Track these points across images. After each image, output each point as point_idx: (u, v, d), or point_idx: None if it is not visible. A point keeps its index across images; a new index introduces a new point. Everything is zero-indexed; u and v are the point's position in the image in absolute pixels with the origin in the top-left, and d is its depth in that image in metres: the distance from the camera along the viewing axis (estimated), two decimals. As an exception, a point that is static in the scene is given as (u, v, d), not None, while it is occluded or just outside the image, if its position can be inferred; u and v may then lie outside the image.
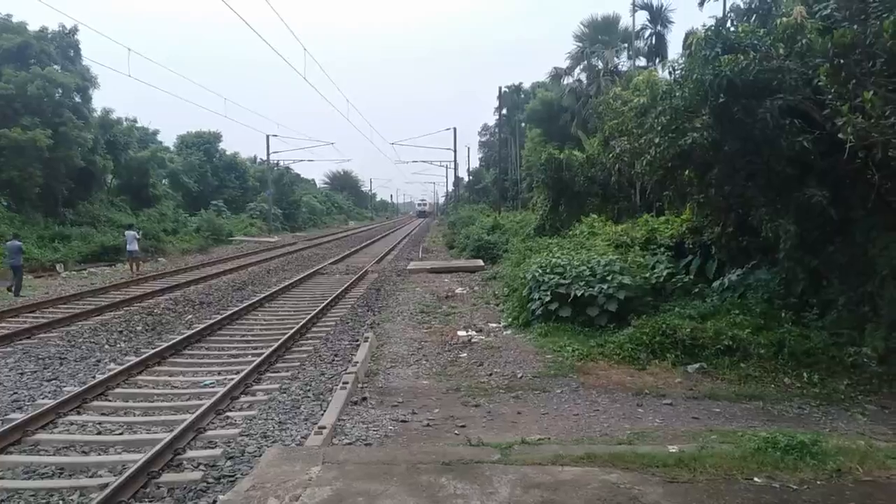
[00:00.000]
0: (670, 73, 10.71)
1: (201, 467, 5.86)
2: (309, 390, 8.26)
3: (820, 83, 7.84)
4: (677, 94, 9.54)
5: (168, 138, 55.52)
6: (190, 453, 6.19)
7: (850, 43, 7.41)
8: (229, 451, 6.18)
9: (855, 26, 7.46)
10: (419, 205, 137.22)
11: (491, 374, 8.94)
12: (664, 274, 12.27)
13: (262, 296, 16.04)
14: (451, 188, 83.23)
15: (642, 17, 36.94)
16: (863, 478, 4.62)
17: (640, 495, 4.33)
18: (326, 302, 14.84)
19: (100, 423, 7.06)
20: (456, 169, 58.97)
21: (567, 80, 42.75)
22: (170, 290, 17.40)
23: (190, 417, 6.80)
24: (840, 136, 7.20)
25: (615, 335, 10.00)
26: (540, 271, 11.99)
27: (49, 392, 8.22)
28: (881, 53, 7.25)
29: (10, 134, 25.52)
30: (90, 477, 5.69)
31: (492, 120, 72.53)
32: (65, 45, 31.72)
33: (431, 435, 6.62)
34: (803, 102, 8.43)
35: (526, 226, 25.66)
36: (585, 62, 40.55)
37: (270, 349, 9.99)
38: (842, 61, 7.48)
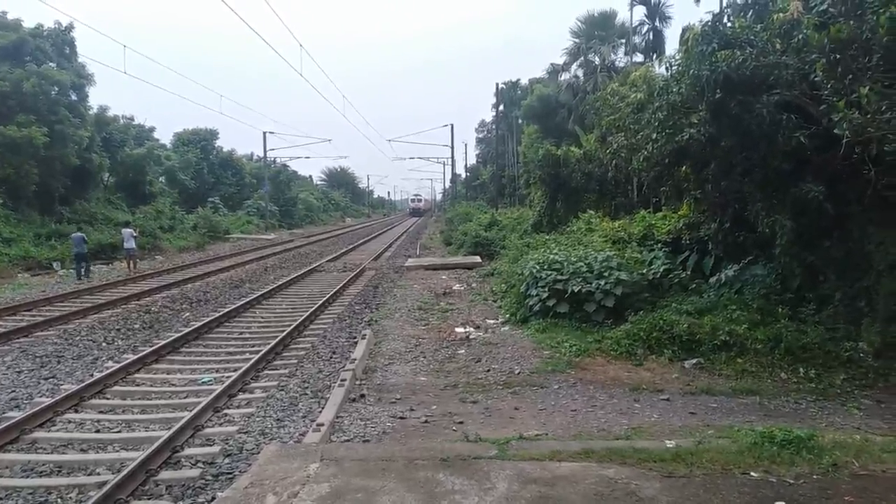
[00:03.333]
0: (667, 68, 10.73)
1: (199, 465, 5.87)
2: (307, 387, 8.27)
3: (816, 79, 7.85)
4: (674, 89, 9.54)
5: (164, 136, 55.65)
6: (188, 451, 6.20)
7: (847, 38, 7.41)
8: (227, 448, 6.19)
9: (851, 22, 7.45)
10: (412, 200, 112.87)
11: (488, 371, 8.95)
12: (661, 270, 12.29)
13: (260, 293, 16.03)
14: (448, 185, 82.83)
15: (640, 12, 36.97)
16: (858, 472, 4.65)
17: (637, 490, 4.35)
18: (324, 299, 14.83)
19: (98, 421, 7.06)
20: (453, 165, 59.09)
21: (564, 76, 42.78)
22: (167, 287, 17.38)
23: (188, 415, 6.80)
24: (836, 131, 7.20)
25: (612, 331, 10.03)
26: (537, 268, 12.01)
27: (47, 390, 8.22)
28: (877, 49, 7.25)
29: (6, 131, 25.37)
30: (88, 475, 5.70)
31: (489, 116, 72.68)
32: (60, 42, 31.54)
33: (429, 431, 6.63)
34: (800, 98, 8.44)
35: (523, 222, 25.68)
36: (582, 58, 40.54)
37: (268, 347, 9.99)
38: (838, 57, 7.48)
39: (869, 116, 6.90)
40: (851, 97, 7.13)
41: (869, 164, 7.40)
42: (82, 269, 20.08)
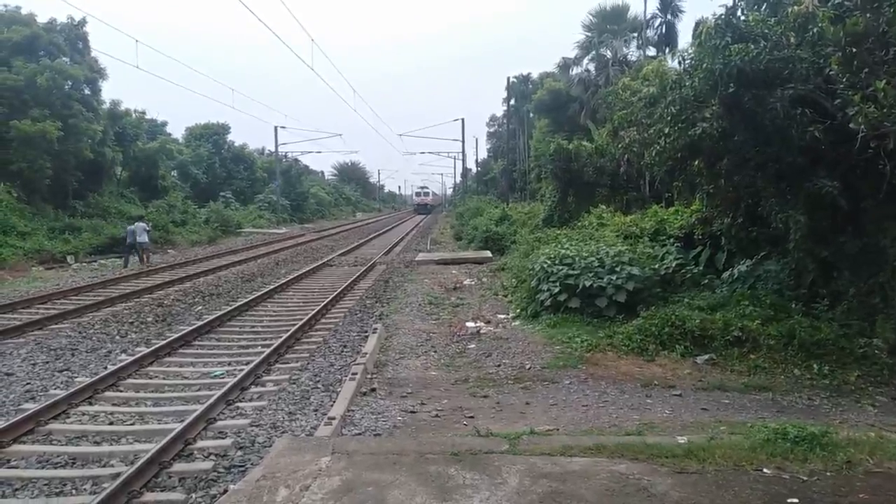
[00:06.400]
0: (680, 62, 10.63)
1: (212, 457, 5.90)
2: (318, 381, 8.30)
3: (831, 72, 7.76)
4: (687, 83, 9.47)
5: (176, 130, 55.71)
6: (201, 443, 6.24)
7: (863, 31, 7.33)
8: (239, 441, 6.22)
9: (867, 14, 7.36)
10: (417, 194, 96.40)
11: (499, 366, 8.95)
12: (673, 265, 12.24)
13: (272, 287, 16.09)
14: (459, 179, 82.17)
15: (652, 5, 36.68)
16: (873, 469, 4.61)
17: (648, 486, 4.33)
18: (335, 293, 14.87)
19: (112, 414, 7.12)
20: (464, 160, 59.07)
21: (575, 70, 42.56)
22: (179, 281, 17.50)
23: (200, 408, 6.84)
24: (851, 125, 7.13)
25: (624, 326, 9.99)
26: (549, 262, 11.98)
27: (61, 383, 8.29)
28: (894, 42, 7.16)
29: (20, 126, 25.54)
30: (102, 467, 5.75)
31: (500, 111, 72.46)
32: (73, 36, 31.67)
33: (440, 425, 6.64)
34: (814, 92, 8.36)
35: (534, 217, 25.64)
36: (594, 52, 40.32)
37: (280, 340, 10.03)
38: (854, 50, 7.39)
39: (885, 110, 6.83)
40: (867, 91, 7.05)
41: (884, 158, 7.32)
42: (135, 256, 22.26)
